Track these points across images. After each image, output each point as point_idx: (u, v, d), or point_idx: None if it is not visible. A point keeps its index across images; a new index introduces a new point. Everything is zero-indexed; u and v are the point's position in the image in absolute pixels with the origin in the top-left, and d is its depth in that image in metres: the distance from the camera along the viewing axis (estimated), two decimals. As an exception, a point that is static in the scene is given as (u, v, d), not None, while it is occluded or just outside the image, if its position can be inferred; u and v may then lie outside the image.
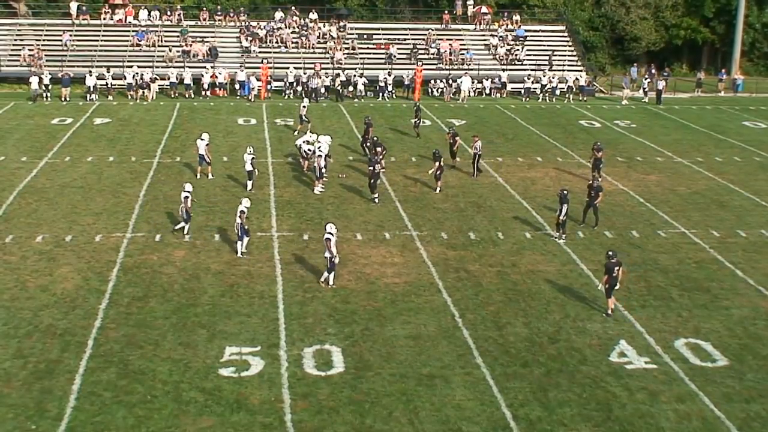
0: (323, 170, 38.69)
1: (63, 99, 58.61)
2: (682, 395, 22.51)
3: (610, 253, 27.46)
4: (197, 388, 22.07)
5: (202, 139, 40.36)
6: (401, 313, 26.76)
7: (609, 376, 23.36)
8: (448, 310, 27.12)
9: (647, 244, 33.61)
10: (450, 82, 65.00)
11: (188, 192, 32.44)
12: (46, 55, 64.97)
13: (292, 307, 26.96)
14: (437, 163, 39.13)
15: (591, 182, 35.75)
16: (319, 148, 39.16)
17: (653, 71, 72.19)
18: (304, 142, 41.71)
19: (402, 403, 21.72)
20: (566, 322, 26.57)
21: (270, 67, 63.74)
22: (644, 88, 67.21)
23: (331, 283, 28.59)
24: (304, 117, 49.25)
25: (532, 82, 66.04)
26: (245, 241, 31.24)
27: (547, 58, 70.35)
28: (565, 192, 33.25)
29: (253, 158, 38.28)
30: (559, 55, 71.39)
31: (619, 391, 22.58)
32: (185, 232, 32.68)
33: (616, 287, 27.34)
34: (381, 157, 39.42)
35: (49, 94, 59.15)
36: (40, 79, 59.10)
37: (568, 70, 69.32)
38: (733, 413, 21.72)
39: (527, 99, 65.38)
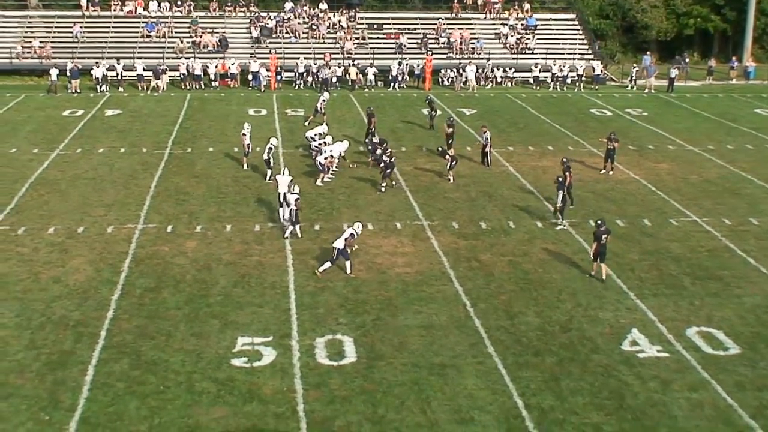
0: (329, 168, 38.70)
1: (73, 91, 58.71)
2: (694, 384, 22.49)
3: (599, 221, 28.78)
4: (210, 379, 22.13)
5: (243, 132, 40.83)
6: (413, 303, 26.78)
7: (621, 364, 23.36)
8: (459, 300, 27.13)
9: (659, 232, 33.55)
10: (460, 71, 64.96)
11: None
12: (56, 47, 65.04)
13: (303, 297, 27.00)
14: (447, 157, 39.29)
15: (563, 162, 36.20)
16: (331, 149, 39.28)
17: (686, 59, 72.61)
18: (317, 134, 41.72)
19: (414, 392, 21.75)
20: (578, 310, 26.56)
21: (279, 58, 63.74)
22: (632, 77, 67.09)
23: (348, 271, 28.66)
24: (319, 109, 49.13)
25: (540, 71, 65.98)
26: (297, 228, 31.99)
27: (556, 45, 70.40)
28: (561, 179, 33.47)
29: (270, 149, 38.32)
30: (570, 44, 71.23)
31: (632, 380, 22.57)
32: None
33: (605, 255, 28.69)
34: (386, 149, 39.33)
35: (69, 84, 59.48)
36: (60, 71, 59.35)
37: (579, 59, 69.13)
38: (745, 401, 21.69)
39: (538, 87, 65.31)
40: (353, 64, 63.86)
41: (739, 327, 25.72)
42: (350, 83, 62.80)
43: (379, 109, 51.40)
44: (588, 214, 34.64)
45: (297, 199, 31.45)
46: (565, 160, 36.48)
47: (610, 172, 41.08)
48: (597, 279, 28.69)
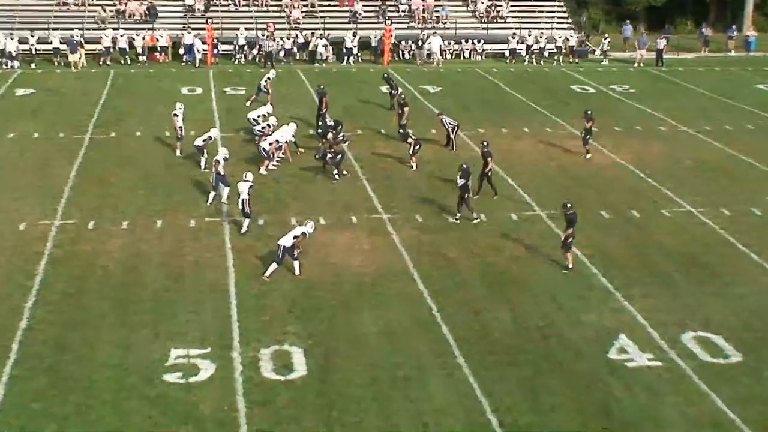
0: (273, 154, 38.54)
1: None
2: (690, 396, 22.64)
3: (569, 204, 29.57)
4: (139, 397, 21.97)
5: (175, 112, 40.68)
6: (371, 307, 26.78)
7: (608, 375, 23.47)
8: (424, 302, 27.16)
9: (649, 224, 33.77)
10: (420, 43, 65.02)
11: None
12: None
13: (246, 301, 26.91)
14: (409, 140, 39.33)
15: (482, 146, 36.51)
16: (273, 132, 39.29)
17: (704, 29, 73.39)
18: (260, 116, 41.69)
19: (373, 408, 21.74)
20: (558, 313, 26.67)
21: (216, 29, 63.37)
22: (604, 49, 67.51)
23: (297, 272, 28.55)
24: (263, 87, 48.85)
25: (517, 42, 66.11)
26: (246, 222, 31.87)
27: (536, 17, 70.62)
28: (465, 166, 33.62)
29: (208, 138, 38.30)
30: (548, 12, 71.45)
31: (620, 392, 22.68)
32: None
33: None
34: (339, 137, 39.20)
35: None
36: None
37: (557, 29, 69.40)
38: (749, 415, 21.86)
39: (513, 61, 65.48)
40: (271, 35, 63.45)
41: (741, 331, 25.92)
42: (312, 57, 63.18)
43: (331, 86, 51.31)
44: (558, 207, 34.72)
45: (250, 187, 31.55)
46: (485, 143, 36.75)
47: (588, 155, 41.22)
48: (566, 267, 29.47)
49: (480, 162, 35.82)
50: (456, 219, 33.44)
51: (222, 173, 33.79)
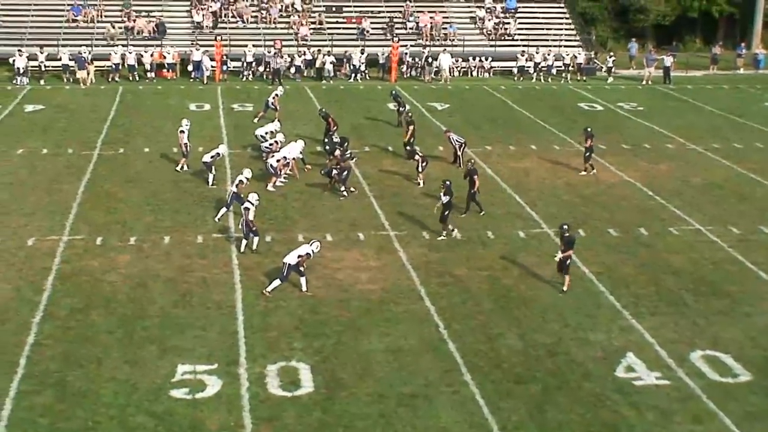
0: (281, 171, 38.57)
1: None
2: (699, 415, 22.56)
3: (566, 226, 29.38)
4: (146, 412, 21.96)
5: (181, 128, 40.70)
6: (378, 324, 26.75)
7: (615, 393, 23.41)
8: (431, 320, 27.13)
9: (657, 242, 33.73)
10: (429, 59, 65.11)
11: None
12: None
13: (253, 318, 26.90)
14: (416, 157, 39.33)
15: (468, 165, 36.55)
16: (281, 148, 39.33)
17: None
18: (267, 132, 41.78)
19: (380, 426, 21.69)
20: (566, 332, 26.62)
21: (225, 45, 63.53)
22: (609, 66, 67.46)
23: (304, 288, 28.55)
24: (270, 104, 48.89)
25: (525, 60, 66.18)
26: (255, 240, 31.74)
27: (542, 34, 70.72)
28: (449, 182, 33.62)
29: (216, 155, 38.54)
30: (555, 29, 71.52)
31: (627, 411, 22.62)
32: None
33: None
34: (346, 154, 39.24)
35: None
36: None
37: (565, 46, 69.47)
38: (756, 434, 21.85)
39: (521, 78, 65.58)
40: (279, 52, 63.46)
41: (750, 350, 25.85)
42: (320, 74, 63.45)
43: (338, 103, 51.38)
44: (576, 224, 34.70)
45: (246, 209, 31.36)
46: (471, 161, 36.84)
47: (593, 172, 41.22)
48: (563, 291, 29.20)
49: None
50: (460, 236, 33.43)
51: (238, 192, 33.82)
